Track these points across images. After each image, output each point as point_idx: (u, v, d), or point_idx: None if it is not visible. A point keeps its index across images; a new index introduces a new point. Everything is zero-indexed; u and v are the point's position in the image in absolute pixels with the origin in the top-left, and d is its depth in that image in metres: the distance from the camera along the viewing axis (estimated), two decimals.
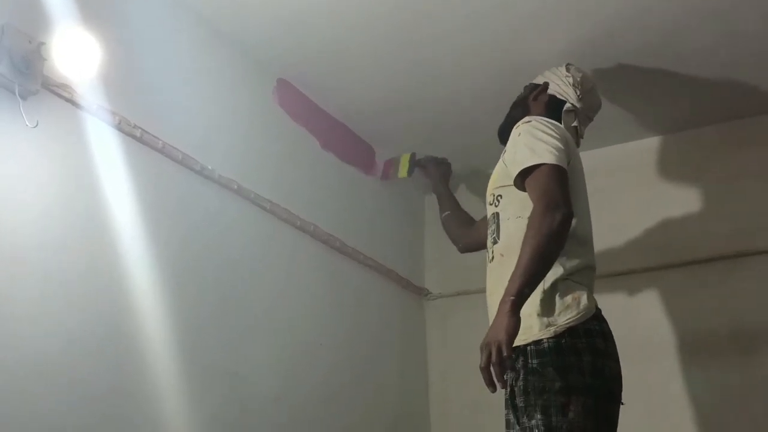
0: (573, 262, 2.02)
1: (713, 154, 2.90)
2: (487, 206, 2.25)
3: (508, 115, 2.43)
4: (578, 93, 2.34)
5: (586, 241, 2.12)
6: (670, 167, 2.96)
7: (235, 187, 2.38)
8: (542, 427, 1.86)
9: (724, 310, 2.72)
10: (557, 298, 1.97)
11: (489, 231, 2.20)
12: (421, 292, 3.27)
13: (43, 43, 1.84)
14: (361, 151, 2.99)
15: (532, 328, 1.95)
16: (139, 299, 2.01)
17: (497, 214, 2.17)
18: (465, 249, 2.79)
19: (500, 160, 2.23)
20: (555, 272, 1.98)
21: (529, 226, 1.97)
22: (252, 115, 2.57)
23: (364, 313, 2.89)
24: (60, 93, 1.93)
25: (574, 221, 2.00)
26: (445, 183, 3.05)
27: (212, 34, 2.44)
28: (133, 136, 2.09)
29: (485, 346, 1.83)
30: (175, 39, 2.33)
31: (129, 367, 1.96)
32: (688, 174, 2.92)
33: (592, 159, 2.55)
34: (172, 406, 2.05)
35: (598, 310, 2.03)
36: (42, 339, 1.77)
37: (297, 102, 2.74)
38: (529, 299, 1.90)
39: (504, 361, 1.80)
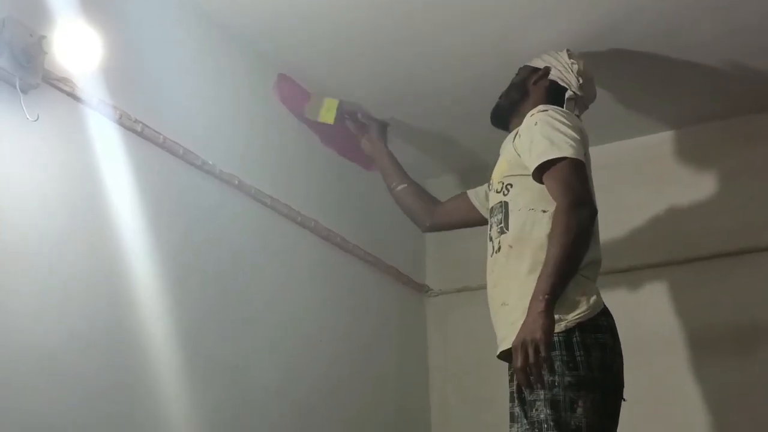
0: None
1: (719, 149, 2.89)
2: (493, 194, 2.22)
3: (506, 97, 2.38)
4: (580, 81, 2.31)
5: (595, 235, 2.09)
6: (676, 163, 2.95)
7: (236, 182, 2.37)
8: (551, 422, 1.86)
9: (728, 306, 2.72)
10: (568, 293, 1.94)
11: (494, 220, 2.17)
12: (422, 289, 3.26)
13: (44, 37, 1.83)
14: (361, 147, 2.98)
15: None
16: (140, 293, 2.01)
17: (506, 203, 2.13)
18: (432, 229, 2.71)
19: (510, 146, 2.19)
20: None
21: (555, 223, 1.95)
22: (253, 110, 2.56)
23: (364, 309, 2.89)
24: (61, 87, 1.91)
25: None
26: (387, 147, 2.79)
27: (213, 27, 2.43)
28: (134, 131, 2.08)
29: (520, 346, 1.80)
30: (176, 33, 2.32)
31: (130, 361, 1.95)
32: (694, 170, 2.91)
33: (597, 154, 2.53)
34: (173, 399, 2.04)
35: (605, 306, 2.02)
36: (42, 334, 1.76)
37: (298, 97, 2.74)
38: None
39: (542, 360, 1.78)
